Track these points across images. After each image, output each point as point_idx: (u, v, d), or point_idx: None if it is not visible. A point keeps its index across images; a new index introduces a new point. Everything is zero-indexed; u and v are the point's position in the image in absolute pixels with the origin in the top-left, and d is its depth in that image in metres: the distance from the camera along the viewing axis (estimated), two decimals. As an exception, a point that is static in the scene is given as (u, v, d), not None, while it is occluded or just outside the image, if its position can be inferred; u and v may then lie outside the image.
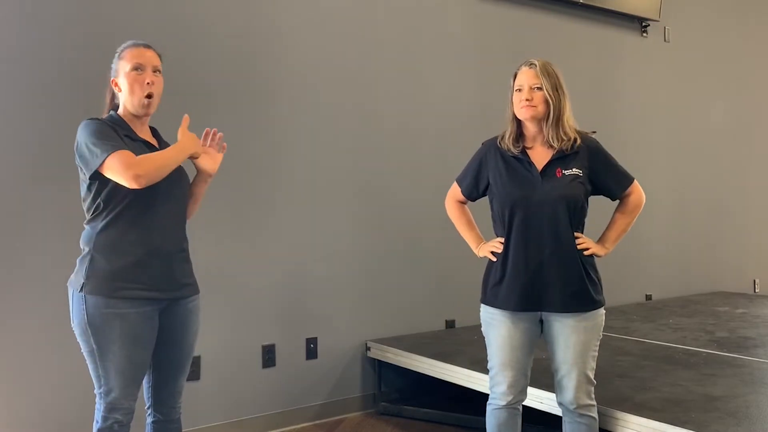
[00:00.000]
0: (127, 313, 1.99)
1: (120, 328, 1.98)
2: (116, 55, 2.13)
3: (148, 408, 2.22)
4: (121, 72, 2.09)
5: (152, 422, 2.21)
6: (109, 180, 1.98)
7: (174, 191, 2.13)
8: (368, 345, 3.82)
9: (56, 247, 2.95)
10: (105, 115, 2.16)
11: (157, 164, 1.98)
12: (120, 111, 2.14)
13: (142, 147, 2.08)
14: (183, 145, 2.09)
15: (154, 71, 2.10)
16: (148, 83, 2.07)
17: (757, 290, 6.13)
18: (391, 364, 3.70)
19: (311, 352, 3.67)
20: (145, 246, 2.03)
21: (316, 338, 3.69)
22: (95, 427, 2.04)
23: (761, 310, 4.69)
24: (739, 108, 6.00)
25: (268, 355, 3.53)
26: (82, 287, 1.99)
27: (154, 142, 2.18)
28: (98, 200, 2.02)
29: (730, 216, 5.90)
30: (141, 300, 2.02)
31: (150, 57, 2.10)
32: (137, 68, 2.07)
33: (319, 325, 3.71)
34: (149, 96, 2.08)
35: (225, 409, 3.38)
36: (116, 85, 2.12)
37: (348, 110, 3.84)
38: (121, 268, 2.00)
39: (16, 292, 2.90)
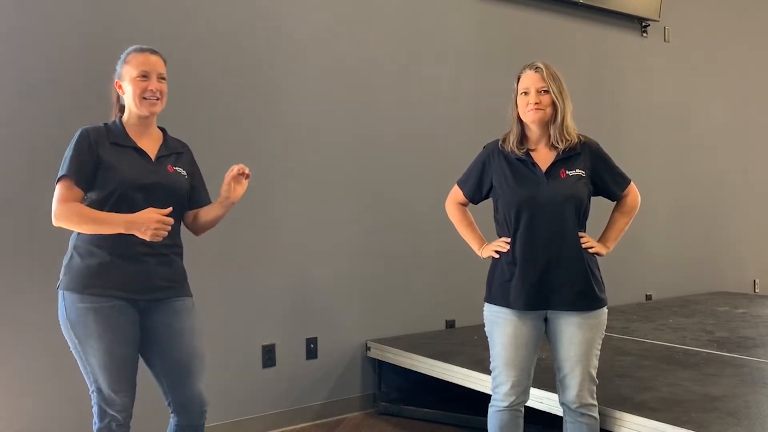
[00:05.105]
0: (101, 306, 2.03)
1: (95, 322, 2.02)
2: (121, 58, 2.16)
3: (171, 413, 2.23)
4: (127, 77, 2.12)
5: (175, 424, 2.23)
6: (92, 185, 2.06)
7: (157, 197, 2.11)
8: (368, 345, 3.82)
9: (58, 247, 2.95)
10: (113, 118, 2.21)
11: (76, 218, 2.01)
12: (125, 115, 2.18)
13: (130, 154, 2.11)
14: (129, 223, 2.00)
15: (159, 78, 2.14)
16: (151, 90, 2.11)
17: (757, 290, 6.13)
18: (391, 364, 3.70)
19: (311, 352, 3.67)
20: (116, 248, 2.05)
21: (316, 338, 3.69)
22: (94, 428, 2.07)
23: (761, 310, 4.69)
24: (738, 108, 6.00)
25: (268, 355, 3.53)
26: (61, 285, 2.08)
27: (152, 147, 2.17)
28: (83, 203, 2.08)
29: (730, 216, 5.90)
30: (113, 298, 2.05)
31: (155, 63, 2.13)
32: (143, 75, 2.10)
33: (319, 325, 3.70)
34: (154, 97, 2.12)
35: (225, 409, 3.38)
36: (120, 87, 2.15)
37: (348, 110, 3.84)
38: (94, 267, 2.05)
39: (17, 295, 2.90)
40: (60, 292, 2.08)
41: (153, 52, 2.16)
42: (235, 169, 2.19)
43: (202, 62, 3.36)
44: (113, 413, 2.05)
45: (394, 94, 4.01)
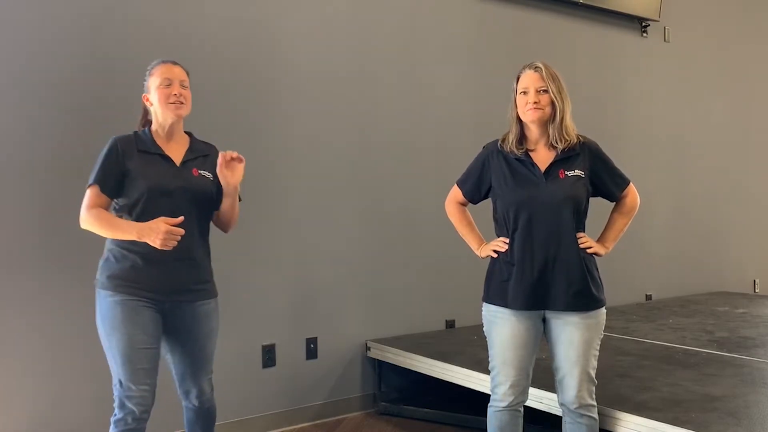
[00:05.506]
0: (127, 299, 2.17)
1: (121, 312, 2.16)
2: (147, 72, 2.30)
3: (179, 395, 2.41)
4: (152, 87, 2.26)
5: (184, 406, 2.42)
6: (119, 192, 2.21)
7: (181, 201, 2.23)
8: (368, 345, 3.82)
9: (57, 248, 2.95)
10: (137, 130, 2.33)
11: (98, 223, 2.16)
12: (153, 125, 2.30)
13: (156, 159, 2.24)
14: (140, 231, 2.11)
15: (182, 86, 2.27)
16: (174, 94, 2.23)
17: (757, 290, 6.13)
18: (391, 364, 3.70)
19: (311, 352, 3.67)
20: (142, 252, 2.18)
21: (316, 338, 3.69)
22: (112, 419, 2.18)
23: (761, 310, 4.69)
24: (739, 108, 6.00)
25: (268, 355, 3.53)
26: (97, 283, 2.23)
27: (178, 152, 2.29)
28: (116, 207, 2.25)
29: (730, 216, 5.90)
30: (140, 297, 2.19)
31: (177, 73, 2.28)
32: (166, 83, 2.25)
33: (319, 325, 3.71)
34: (178, 102, 2.24)
35: (225, 409, 3.37)
36: (147, 100, 2.29)
37: (348, 112, 3.84)
38: (126, 269, 2.20)
39: (18, 294, 2.91)
40: (96, 290, 2.23)
41: (175, 63, 2.30)
42: (219, 157, 2.26)
43: (202, 67, 3.35)
44: (131, 406, 2.15)
45: (393, 94, 4.01)
